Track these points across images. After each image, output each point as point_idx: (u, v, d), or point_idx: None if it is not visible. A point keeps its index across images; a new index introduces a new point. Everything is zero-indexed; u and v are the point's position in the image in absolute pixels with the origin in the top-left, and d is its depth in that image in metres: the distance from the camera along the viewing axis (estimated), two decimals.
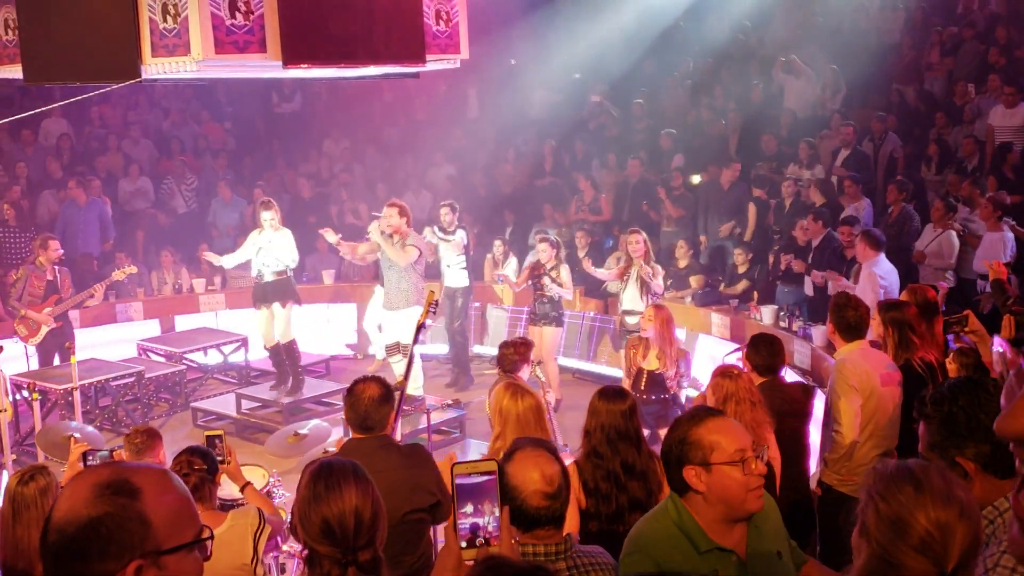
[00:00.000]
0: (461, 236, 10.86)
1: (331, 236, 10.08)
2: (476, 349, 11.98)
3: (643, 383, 7.38)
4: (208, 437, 4.81)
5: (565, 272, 10.14)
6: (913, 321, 5.64)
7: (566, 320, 10.55)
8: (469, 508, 2.31)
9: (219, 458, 4.60)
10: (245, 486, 4.85)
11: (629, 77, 14.77)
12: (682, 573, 2.68)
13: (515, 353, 6.24)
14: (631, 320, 9.32)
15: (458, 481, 2.31)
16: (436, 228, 10.84)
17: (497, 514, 2.31)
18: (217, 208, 13.60)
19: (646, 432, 4.95)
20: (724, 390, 4.90)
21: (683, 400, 7.57)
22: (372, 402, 4.26)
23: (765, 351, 5.44)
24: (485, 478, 2.32)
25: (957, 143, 10.98)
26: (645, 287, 9.31)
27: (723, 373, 5.00)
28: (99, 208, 12.61)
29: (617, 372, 9.94)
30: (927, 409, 2.77)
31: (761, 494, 2.77)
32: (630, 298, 9.48)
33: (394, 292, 9.54)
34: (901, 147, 11.67)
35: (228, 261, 10.22)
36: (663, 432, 7.44)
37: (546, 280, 10.06)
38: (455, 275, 10.95)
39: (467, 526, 2.30)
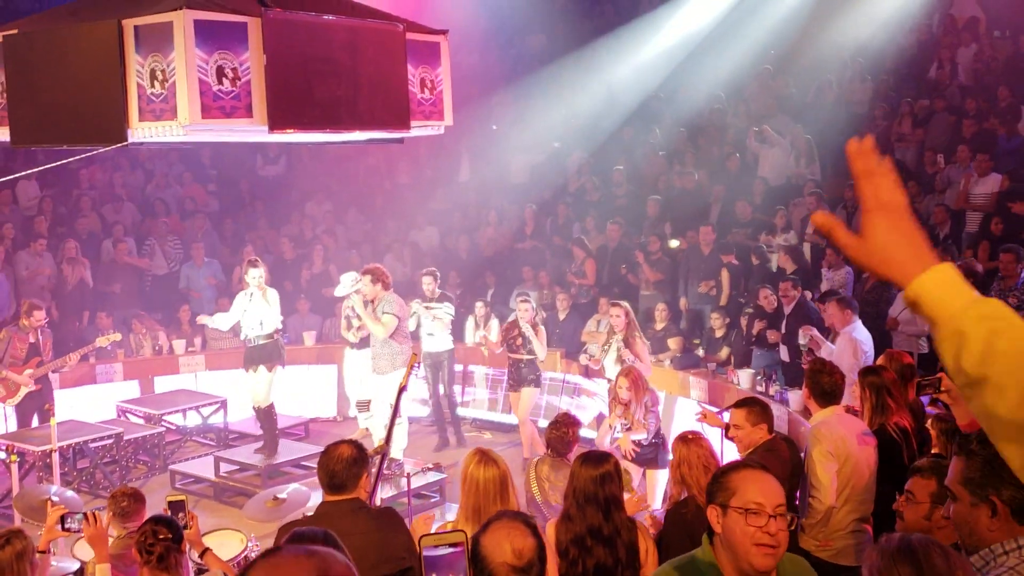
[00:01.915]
0: (449, 311, 10.92)
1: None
2: (460, 411, 11.97)
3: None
4: (171, 502, 4.80)
5: (542, 331, 10.28)
6: (891, 386, 5.71)
7: (545, 382, 10.59)
8: None
9: (183, 524, 4.58)
10: (204, 552, 4.82)
11: (608, 145, 15.01)
12: None
13: (568, 435, 6.20)
14: None
15: (425, 553, 2.30)
16: (420, 301, 10.88)
17: None
18: (189, 272, 13.59)
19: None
20: (678, 455, 5.00)
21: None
22: (342, 461, 4.32)
23: (766, 412, 5.52)
24: (451, 550, 2.31)
25: (929, 211, 11.19)
26: (622, 355, 9.36)
27: (680, 438, 5.10)
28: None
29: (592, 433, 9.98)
30: (972, 446, 2.76)
31: (769, 553, 2.78)
32: (610, 366, 9.54)
33: (379, 356, 9.58)
34: None
35: (220, 322, 10.17)
36: (652, 472, 7.70)
37: (526, 331, 10.10)
38: (440, 340, 11.00)
39: None
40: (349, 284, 10.48)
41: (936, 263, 1.61)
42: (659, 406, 8.36)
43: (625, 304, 9.69)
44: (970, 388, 1.58)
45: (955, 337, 1.57)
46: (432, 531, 4.05)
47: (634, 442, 7.83)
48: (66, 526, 4.68)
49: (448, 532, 2.35)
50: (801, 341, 9.15)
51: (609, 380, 9.57)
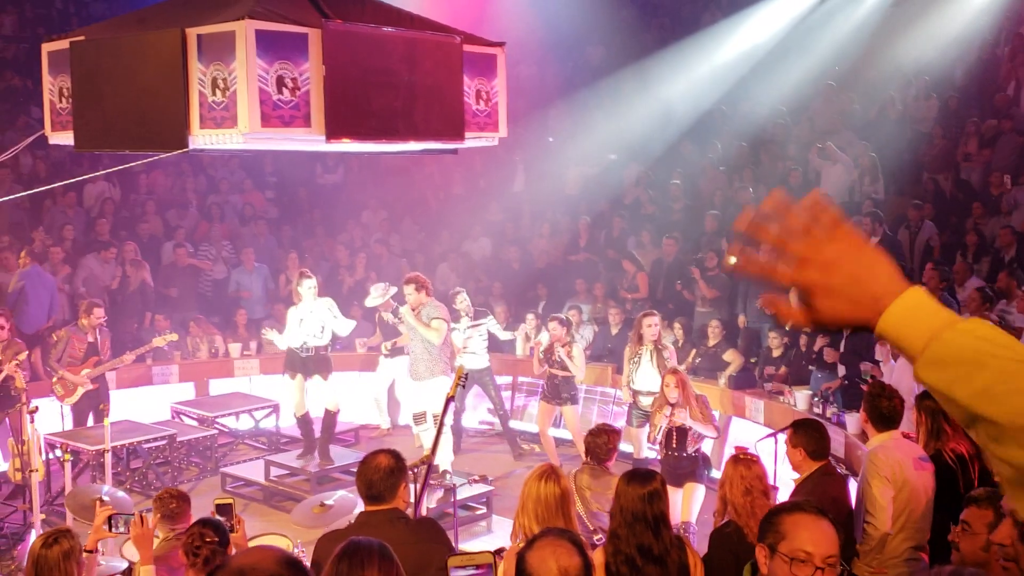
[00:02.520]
0: (494, 324, 11.03)
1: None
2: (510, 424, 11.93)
3: (673, 440, 7.91)
4: (219, 505, 4.81)
5: (577, 350, 10.17)
6: None
7: (592, 398, 10.52)
8: None
9: (228, 526, 4.60)
10: None
11: (665, 158, 14.91)
12: None
13: (608, 443, 6.26)
14: (645, 401, 9.32)
15: (453, 574, 2.28)
16: (464, 320, 10.91)
17: None
18: (239, 277, 13.76)
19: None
20: (725, 473, 5.00)
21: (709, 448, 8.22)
22: (379, 471, 4.32)
23: (816, 434, 5.42)
24: (476, 571, 2.28)
25: (994, 234, 10.93)
26: (662, 366, 9.28)
27: (732, 457, 5.12)
28: (45, 281, 11.80)
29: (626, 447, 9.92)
30: None
31: None
32: (644, 378, 9.47)
33: (419, 362, 9.60)
34: (937, 236, 11.62)
35: (282, 342, 10.22)
36: (691, 485, 7.69)
37: (559, 354, 10.09)
38: (479, 359, 11.01)
39: None
40: (378, 295, 10.58)
41: (902, 290, 1.39)
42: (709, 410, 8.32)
43: (658, 315, 9.71)
44: (970, 423, 1.34)
45: (932, 367, 1.34)
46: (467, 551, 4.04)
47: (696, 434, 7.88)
48: (113, 527, 4.72)
49: (476, 552, 2.33)
50: (878, 358, 8.96)
51: (637, 391, 9.52)
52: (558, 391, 10.25)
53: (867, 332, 1.43)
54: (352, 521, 4.70)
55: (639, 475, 4.46)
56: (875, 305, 1.39)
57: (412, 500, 5.12)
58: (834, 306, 1.42)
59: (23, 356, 9.52)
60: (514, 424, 12.05)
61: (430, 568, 4.09)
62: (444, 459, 9.44)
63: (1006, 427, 1.28)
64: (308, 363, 10.00)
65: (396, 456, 4.44)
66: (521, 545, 4.50)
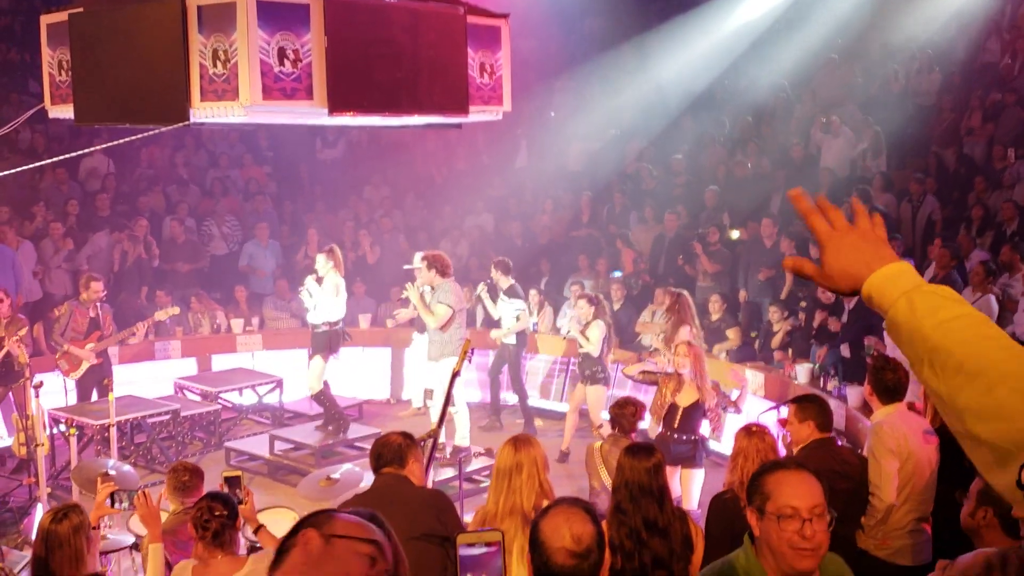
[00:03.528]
0: (518, 308, 10.99)
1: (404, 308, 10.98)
2: (507, 398, 11.91)
3: (676, 420, 7.60)
4: (227, 478, 4.82)
5: (596, 329, 10.02)
6: None
7: (611, 375, 10.51)
8: None
9: (237, 499, 4.61)
10: (259, 528, 4.86)
11: (668, 133, 14.84)
12: None
13: (634, 414, 6.43)
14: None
15: (461, 552, 2.25)
16: (488, 290, 10.94)
17: None
18: (253, 250, 13.74)
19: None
20: (737, 445, 5.01)
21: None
22: (390, 446, 4.64)
23: (815, 409, 5.41)
24: (486, 550, 2.26)
25: (996, 207, 10.90)
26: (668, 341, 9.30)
27: (743, 429, 5.08)
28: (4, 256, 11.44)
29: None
30: None
31: (808, 555, 2.73)
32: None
33: (432, 343, 9.63)
34: (940, 209, 11.59)
35: (305, 295, 10.32)
36: (689, 471, 7.53)
37: (573, 331, 10.10)
38: (509, 335, 11.03)
39: None
40: (418, 262, 10.60)
41: (893, 262, 1.73)
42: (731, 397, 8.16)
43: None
44: (924, 356, 1.65)
45: (907, 309, 1.66)
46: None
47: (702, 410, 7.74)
48: (115, 504, 4.71)
49: (485, 531, 2.31)
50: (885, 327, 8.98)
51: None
52: (582, 369, 10.22)
53: (859, 294, 1.77)
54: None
55: (642, 448, 4.46)
56: (870, 266, 1.74)
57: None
58: (840, 260, 1.76)
59: (23, 332, 9.52)
60: (547, 404, 12.08)
61: (427, 514, 4.36)
62: (461, 436, 9.47)
63: (958, 355, 1.60)
64: (312, 340, 10.23)
65: (406, 435, 4.73)
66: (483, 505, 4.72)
